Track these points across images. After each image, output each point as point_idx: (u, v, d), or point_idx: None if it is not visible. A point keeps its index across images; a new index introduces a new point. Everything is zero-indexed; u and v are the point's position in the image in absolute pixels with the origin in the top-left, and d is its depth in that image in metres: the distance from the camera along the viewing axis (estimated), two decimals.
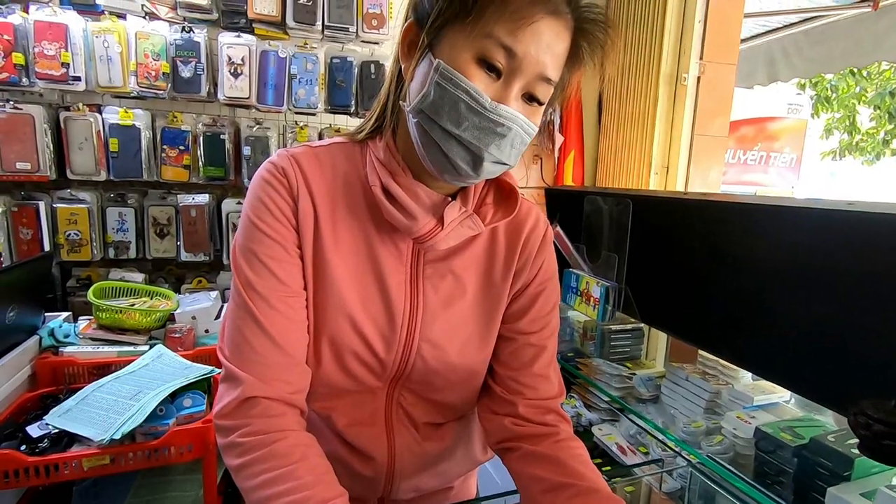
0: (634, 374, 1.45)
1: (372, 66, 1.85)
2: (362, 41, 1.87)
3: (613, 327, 1.61)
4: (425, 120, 0.51)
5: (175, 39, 1.64)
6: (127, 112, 1.66)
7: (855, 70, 5.49)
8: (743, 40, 3.14)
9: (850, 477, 0.91)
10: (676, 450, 0.93)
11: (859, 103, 5.90)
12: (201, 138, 1.72)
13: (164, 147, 1.69)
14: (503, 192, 0.64)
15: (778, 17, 3.17)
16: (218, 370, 1.38)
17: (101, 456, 1.13)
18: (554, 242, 1.87)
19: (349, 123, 1.99)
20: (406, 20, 0.56)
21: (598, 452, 1.33)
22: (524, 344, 0.65)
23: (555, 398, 0.65)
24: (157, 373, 1.35)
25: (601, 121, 2.46)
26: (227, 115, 1.82)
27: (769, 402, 1.18)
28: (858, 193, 6.97)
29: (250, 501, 0.50)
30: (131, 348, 1.45)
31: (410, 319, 0.61)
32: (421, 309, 0.61)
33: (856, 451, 0.91)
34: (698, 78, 2.07)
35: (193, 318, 1.56)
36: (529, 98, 0.52)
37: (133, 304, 1.54)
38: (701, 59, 2.05)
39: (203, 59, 1.66)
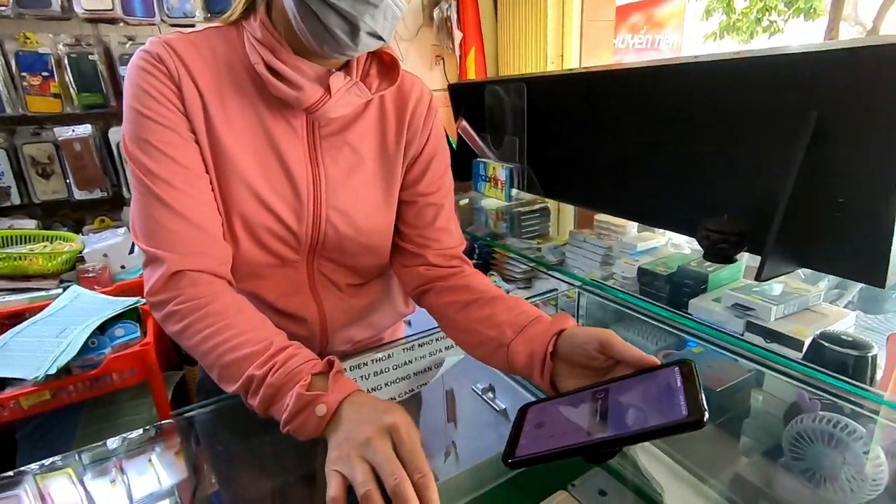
0: (542, 246, 1.63)
1: None
2: None
3: (522, 209, 1.75)
4: None
5: None
6: None
7: None
8: None
9: (706, 289, 1.14)
10: (576, 284, 1.11)
11: None
12: (66, 61, 1.54)
13: (24, 74, 1.50)
14: (385, 63, 0.68)
15: None
16: (144, 300, 1.38)
17: (40, 392, 1.13)
18: (461, 135, 1.94)
19: None
20: None
21: None
22: (425, 204, 0.73)
23: (457, 246, 0.75)
24: (78, 311, 1.33)
25: (497, 14, 2.46)
26: (92, 34, 1.63)
27: (650, 247, 1.40)
28: None
29: (198, 355, 0.57)
30: (43, 293, 1.40)
31: (315, 190, 0.66)
32: (323, 179, 0.66)
33: (711, 268, 1.12)
34: None
35: (105, 255, 1.51)
36: None
37: (32, 250, 1.45)
38: None
39: None
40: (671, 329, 0.95)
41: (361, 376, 0.72)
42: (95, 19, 1.58)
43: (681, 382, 0.43)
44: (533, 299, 1.07)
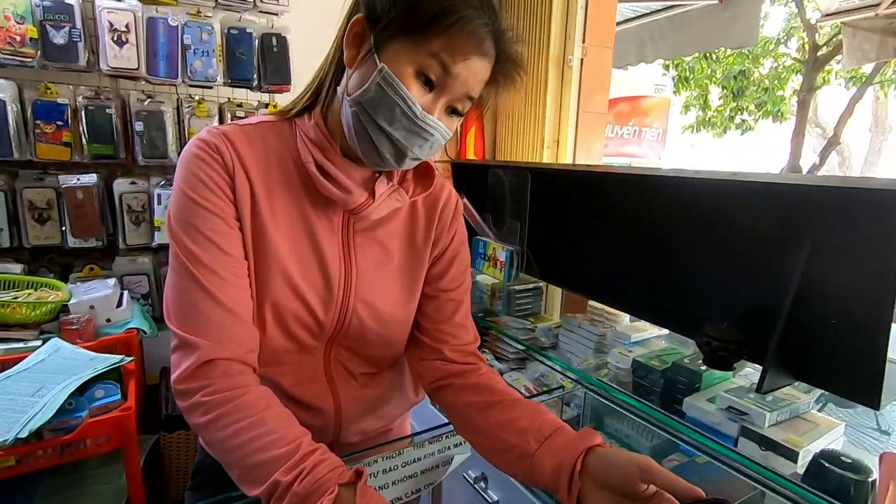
0: (536, 326, 1.65)
1: (274, 39, 1.79)
2: (260, 11, 1.81)
3: (517, 287, 1.79)
4: (362, 112, 0.59)
5: (42, 0, 1.46)
6: None
7: (707, 54, 6.33)
8: (616, 24, 3.48)
9: (700, 388, 1.16)
10: (574, 378, 1.12)
11: (711, 83, 6.84)
12: (83, 112, 1.56)
13: (38, 122, 1.51)
14: (420, 169, 0.73)
15: (645, 2, 3.55)
16: (129, 358, 1.33)
17: (5, 458, 1.05)
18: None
19: (250, 97, 1.92)
20: (353, 9, 0.61)
21: None
22: (445, 300, 0.76)
23: (473, 343, 0.78)
24: (57, 367, 1.27)
25: (497, 100, 2.61)
26: (110, 87, 1.67)
27: (643, 338, 1.43)
28: (710, 161, 8.11)
29: (220, 452, 0.55)
30: (21, 345, 1.33)
31: (346, 282, 0.68)
32: (354, 273, 0.69)
33: (704, 368, 1.15)
34: (581, 60, 2.29)
35: (92, 307, 1.46)
36: (452, 111, 0.62)
37: (16, 298, 1.40)
38: (583, 42, 2.27)
39: (78, 24, 1.50)
40: (668, 434, 0.96)
41: (371, 473, 0.70)
42: (118, 76, 1.63)
43: None
44: (541, 397, 1.07)
